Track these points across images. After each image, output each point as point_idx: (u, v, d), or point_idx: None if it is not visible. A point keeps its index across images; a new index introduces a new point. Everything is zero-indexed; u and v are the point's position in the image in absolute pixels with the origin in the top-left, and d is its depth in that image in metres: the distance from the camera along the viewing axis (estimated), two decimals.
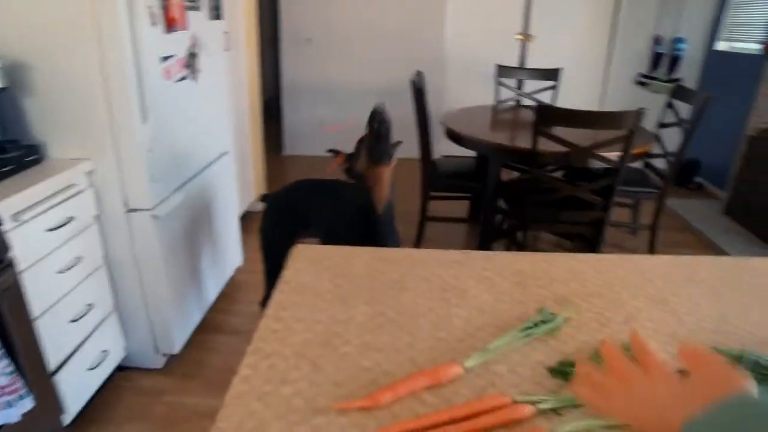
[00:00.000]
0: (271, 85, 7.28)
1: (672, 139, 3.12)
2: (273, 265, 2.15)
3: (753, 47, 4.31)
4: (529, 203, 2.64)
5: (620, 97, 5.22)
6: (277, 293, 1.03)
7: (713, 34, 4.88)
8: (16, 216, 1.53)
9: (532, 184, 2.57)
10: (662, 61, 5.03)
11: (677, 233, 3.83)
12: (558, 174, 3.45)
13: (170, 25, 2.00)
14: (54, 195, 1.70)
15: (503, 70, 3.99)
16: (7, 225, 1.50)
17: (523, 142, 2.62)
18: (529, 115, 3.35)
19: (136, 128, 1.84)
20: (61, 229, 1.71)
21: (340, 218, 1.96)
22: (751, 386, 0.39)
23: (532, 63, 5.08)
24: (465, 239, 3.68)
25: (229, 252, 2.88)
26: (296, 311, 0.97)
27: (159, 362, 2.24)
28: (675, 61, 4.98)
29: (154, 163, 1.97)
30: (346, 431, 0.70)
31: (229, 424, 0.71)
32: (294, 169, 5.14)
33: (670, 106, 3.20)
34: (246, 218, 3.61)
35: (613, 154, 2.43)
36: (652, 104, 4.99)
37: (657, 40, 4.99)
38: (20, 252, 1.54)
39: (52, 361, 1.71)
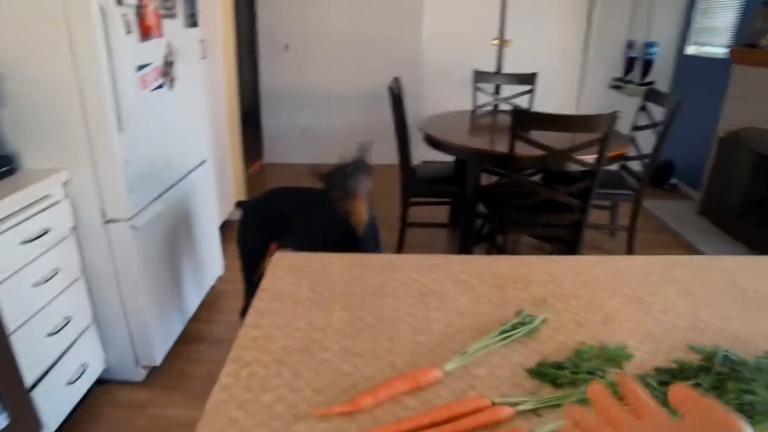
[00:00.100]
0: (250, 92, 7.26)
1: (647, 141, 3.17)
2: (252, 274, 2.15)
3: (720, 51, 4.41)
4: (508, 207, 2.66)
5: (596, 101, 5.30)
6: (256, 301, 1.03)
7: (683, 38, 4.98)
8: None
9: (510, 188, 2.60)
10: (635, 65, 5.12)
11: (655, 234, 3.89)
12: (536, 178, 3.49)
13: (145, 33, 1.99)
14: (29, 206, 1.68)
15: (480, 75, 4.02)
16: None
17: (501, 146, 2.65)
18: (506, 120, 3.37)
19: (113, 137, 1.83)
20: (36, 240, 1.69)
21: (319, 228, 1.96)
22: (745, 429, 0.39)
23: (508, 68, 5.13)
24: (446, 244, 3.70)
25: (210, 261, 2.86)
26: (275, 318, 0.97)
27: (140, 374, 2.22)
28: (648, 65, 5.07)
29: (132, 172, 1.95)
30: None
31: None
32: (273, 177, 5.13)
33: (643, 109, 3.26)
34: (226, 227, 3.59)
35: (590, 157, 2.47)
36: (627, 107, 5.07)
37: (630, 45, 5.08)
38: None
39: (28, 376, 1.68)
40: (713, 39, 4.60)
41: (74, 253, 1.93)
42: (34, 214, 1.69)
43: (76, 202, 1.90)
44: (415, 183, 3.19)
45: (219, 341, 2.51)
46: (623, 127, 4.02)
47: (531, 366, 0.85)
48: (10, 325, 1.59)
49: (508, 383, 0.82)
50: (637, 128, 3.32)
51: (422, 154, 5.39)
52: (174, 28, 2.27)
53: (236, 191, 3.86)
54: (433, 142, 2.91)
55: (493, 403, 0.76)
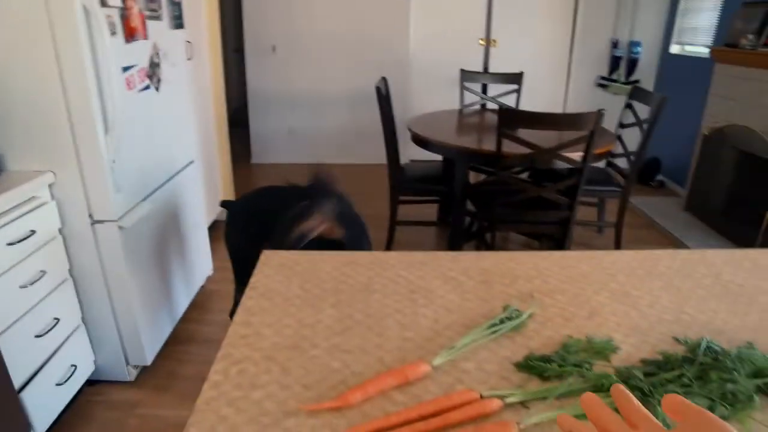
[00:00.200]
0: (238, 93, 7.23)
1: (633, 138, 3.21)
2: (241, 273, 2.14)
3: (702, 50, 4.47)
4: (496, 205, 2.68)
5: (582, 100, 5.34)
6: (245, 299, 1.04)
7: (667, 37, 5.03)
8: None
9: (498, 186, 2.61)
10: (621, 64, 5.16)
11: (642, 230, 3.93)
12: (524, 175, 3.52)
13: (130, 34, 1.99)
14: (14, 208, 1.67)
15: (467, 75, 4.04)
16: None
17: (489, 144, 2.66)
18: (493, 119, 3.40)
19: (99, 138, 1.82)
20: (23, 242, 1.68)
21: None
22: None
23: (495, 67, 5.16)
24: (435, 242, 3.71)
25: (199, 261, 2.85)
26: (265, 316, 0.98)
27: (130, 375, 2.21)
28: (633, 63, 5.12)
29: (119, 173, 1.95)
30: None
31: (200, 430, 0.71)
32: (262, 178, 5.12)
33: (629, 107, 3.28)
34: (215, 227, 3.58)
35: (576, 155, 2.49)
36: (613, 106, 5.12)
37: (615, 44, 5.12)
38: None
39: (17, 377, 1.67)
40: (696, 38, 4.65)
41: (62, 255, 1.92)
42: (20, 216, 1.68)
43: (63, 204, 1.89)
44: (404, 182, 3.20)
45: (209, 341, 2.51)
46: (610, 125, 4.06)
47: (518, 360, 0.86)
48: None
49: (496, 377, 0.83)
50: (623, 126, 3.35)
51: (411, 153, 5.42)
52: (159, 30, 2.27)
53: (224, 192, 3.85)
54: (421, 141, 2.92)
55: (482, 397, 0.77)
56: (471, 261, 1.22)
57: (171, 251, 2.46)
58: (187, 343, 2.49)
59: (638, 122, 3.12)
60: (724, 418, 0.71)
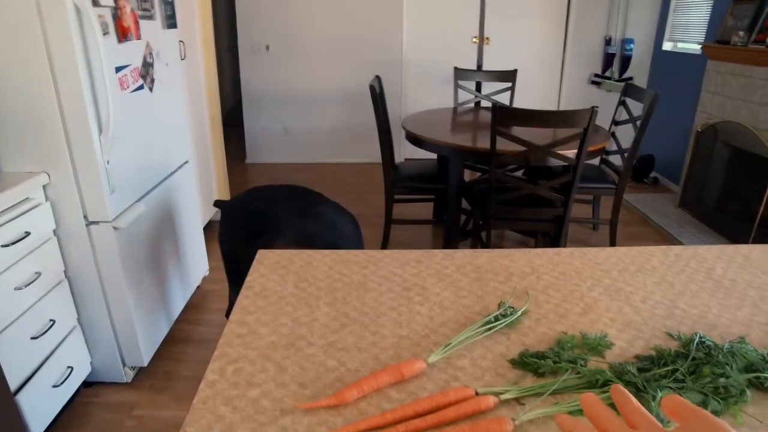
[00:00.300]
0: (233, 93, 7.22)
1: (627, 136, 3.22)
2: (235, 273, 2.14)
3: (694, 47, 4.49)
4: (491, 203, 2.69)
5: (576, 97, 5.36)
6: (241, 298, 1.04)
7: (659, 34, 5.05)
8: None
9: (493, 184, 2.62)
10: (614, 61, 5.18)
11: (637, 227, 3.94)
12: (519, 173, 3.53)
13: (123, 34, 1.98)
14: (8, 209, 1.67)
15: (461, 73, 4.05)
16: None
17: (483, 142, 2.67)
18: (488, 116, 3.41)
19: (93, 139, 1.82)
20: (17, 244, 1.67)
21: (298, 228, 1.96)
22: None
23: (488, 65, 5.17)
24: (431, 240, 3.72)
25: (195, 262, 2.85)
26: (261, 315, 0.98)
27: (127, 376, 2.21)
28: (626, 61, 5.13)
29: (113, 174, 1.94)
30: (313, 430, 0.71)
31: (197, 429, 0.71)
32: (257, 177, 5.12)
33: (623, 104, 3.30)
34: (210, 227, 3.58)
35: (571, 152, 2.50)
36: (607, 103, 5.14)
37: (608, 41, 5.14)
38: None
39: (13, 379, 1.67)
40: (688, 35, 4.67)
41: (57, 256, 1.92)
42: (15, 218, 1.68)
43: (57, 205, 1.89)
44: (399, 180, 3.21)
45: (205, 341, 2.51)
46: (604, 122, 4.08)
47: (513, 356, 0.87)
48: None
49: (491, 373, 0.83)
50: (616, 123, 3.36)
51: (405, 151, 5.43)
52: (152, 30, 2.26)
53: (219, 192, 3.85)
54: (416, 140, 2.92)
55: (477, 393, 0.77)
56: (465, 258, 1.22)
57: (166, 252, 2.46)
58: (184, 344, 2.49)
59: (632, 119, 3.13)
60: (716, 412, 0.72)
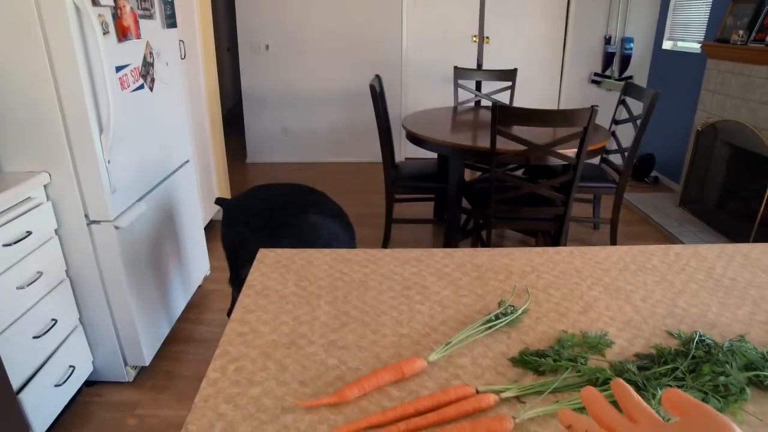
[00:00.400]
0: (233, 92, 7.23)
1: (627, 135, 3.22)
2: (237, 270, 2.15)
3: (694, 46, 4.49)
4: (491, 202, 2.69)
5: (576, 96, 5.36)
6: (242, 297, 1.04)
7: (659, 33, 5.05)
8: None
9: (493, 183, 2.62)
10: (614, 60, 5.18)
11: (637, 226, 3.95)
12: (519, 172, 3.53)
13: (123, 34, 1.99)
14: (10, 209, 1.67)
15: (461, 72, 4.05)
16: None
17: (483, 141, 2.67)
18: (488, 116, 3.41)
19: (93, 139, 1.82)
20: (19, 243, 1.68)
21: (296, 227, 1.97)
22: None
23: (488, 64, 5.17)
24: (431, 240, 3.72)
25: (196, 261, 2.85)
26: (262, 314, 0.98)
27: (129, 375, 2.21)
28: (626, 60, 5.13)
29: (114, 173, 1.95)
30: (314, 428, 0.72)
31: (198, 427, 0.72)
32: (257, 177, 5.12)
33: (623, 103, 3.30)
34: (211, 227, 3.59)
35: (571, 151, 2.50)
36: (607, 102, 5.14)
37: (607, 40, 5.13)
38: None
39: (15, 379, 1.67)
40: (687, 34, 4.67)
41: (58, 255, 1.92)
42: (16, 217, 1.68)
43: (59, 204, 1.89)
44: (399, 180, 3.21)
45: (207, 340, 2.51)
46: (604, 121, 4.08)
47: (514, 355, 0.87)
48: None
49: (492, 372, 0.84)
50: (617, 122, 3.36)
51: (406, 151, 5.43)
52: (152, 29, 2.27)
53: (220, 191, 3.85)
54: (416, 139, 2.92)
55: (477, 392, 0.77)
56: (466, 257, 1.23)
57: (168, 251, 2.47)
58: (185, 343, 2.49)
59: (632, 118, 3.13)
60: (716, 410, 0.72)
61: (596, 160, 3.50)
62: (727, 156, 3.78)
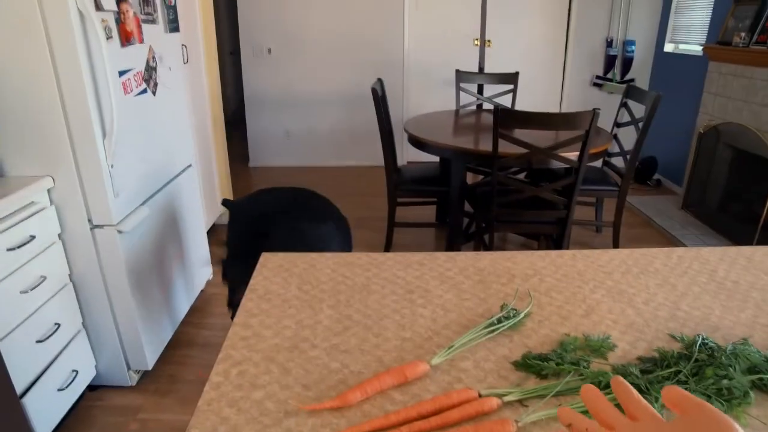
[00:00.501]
0: (236, 96, 7.24)
1: (629, 138, 3.22)
2: (242, 273, 2.14)
3: (695, 49, 4.49)
4: (493, 205, 2.69)
5: (578, 99, 5.36)
6: (245, 301, 1.04)
7: (660, 36, 5.05)
8: None
9: (496, 187, 2.62)
10: (615, 63, 5.18)
11: (640, 229, 3.94)
12: (521, 176, 3.53)
13: (126, 38, 1.99)
14: (13, 213, 1.67)
15: (463, 75, 4.05)
16: None
17: (485, 145, 2.67)
18: (490, 119, 3.41)
19: (97, 143, 1.82)
20: (22, 247, 1.68)
21: (297, 231, 1.97)
22: (739, 431, 0.40)
23: (490, 68, 5.17)
24: (433, 243, 3.72)
25: (199, 265, 2.86)
26: (264, 318, 0.98)
27: (132, 380, 2.22)
28: (628, 62, 5.13)
29: (117, 178, 1.95)
30: (317, 431, 0.72)
31: (202, 430, 0.72)
32: (260, 180, 5.13)
33: (624, 105, 3.30)
34: (214, 230, 3.59)
35: (573, 154, 2.50)
36: (609, 105, 5.14)
37: (609, 43, 5.14)
38: None
39: (18, 383, 1.67)
40: (689, 37, 4.67)
41: (61, 260, 1.93)
42: (20, 221, 1.69)
43: (62, 209, 1.90)
44: (402, 183, 3.21)
45: (210, 345, 2.51)
46: (606, 124, 4.08)
47: (516, 358, 0.87)
48: None
49: (494, 375, 0.84)
50: (618, 125, 3.36)
51: (408, 154, 5.43)
52: (155, 34, 2.27)
53: (223, 195, 3.86)
54: (418, 143, 2.93)
55: (480, 395, 0.77)
56: (468, 261, 1.23)
57: (170, 255, 2.47)
58: (188, 347, 2.49)
59: (634, 121, 3.13)
60: None
61: (598, 163, 3.51)
62: (729, 158, 3.78)
